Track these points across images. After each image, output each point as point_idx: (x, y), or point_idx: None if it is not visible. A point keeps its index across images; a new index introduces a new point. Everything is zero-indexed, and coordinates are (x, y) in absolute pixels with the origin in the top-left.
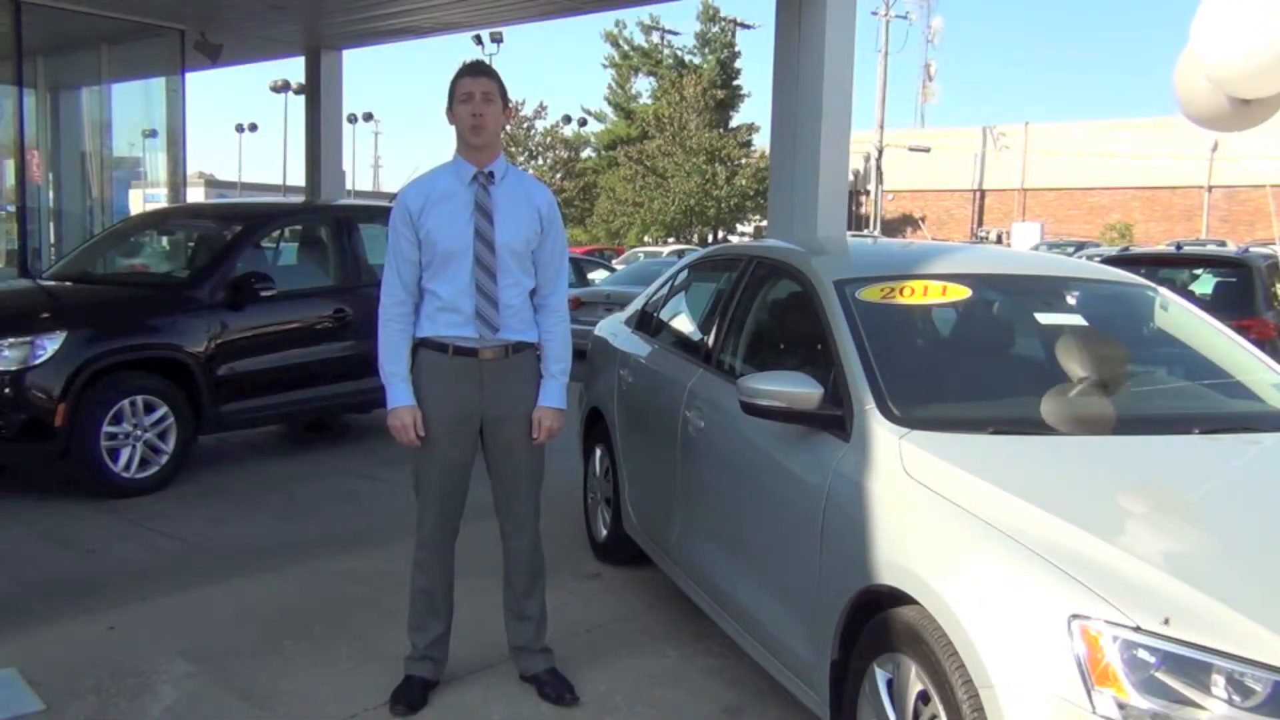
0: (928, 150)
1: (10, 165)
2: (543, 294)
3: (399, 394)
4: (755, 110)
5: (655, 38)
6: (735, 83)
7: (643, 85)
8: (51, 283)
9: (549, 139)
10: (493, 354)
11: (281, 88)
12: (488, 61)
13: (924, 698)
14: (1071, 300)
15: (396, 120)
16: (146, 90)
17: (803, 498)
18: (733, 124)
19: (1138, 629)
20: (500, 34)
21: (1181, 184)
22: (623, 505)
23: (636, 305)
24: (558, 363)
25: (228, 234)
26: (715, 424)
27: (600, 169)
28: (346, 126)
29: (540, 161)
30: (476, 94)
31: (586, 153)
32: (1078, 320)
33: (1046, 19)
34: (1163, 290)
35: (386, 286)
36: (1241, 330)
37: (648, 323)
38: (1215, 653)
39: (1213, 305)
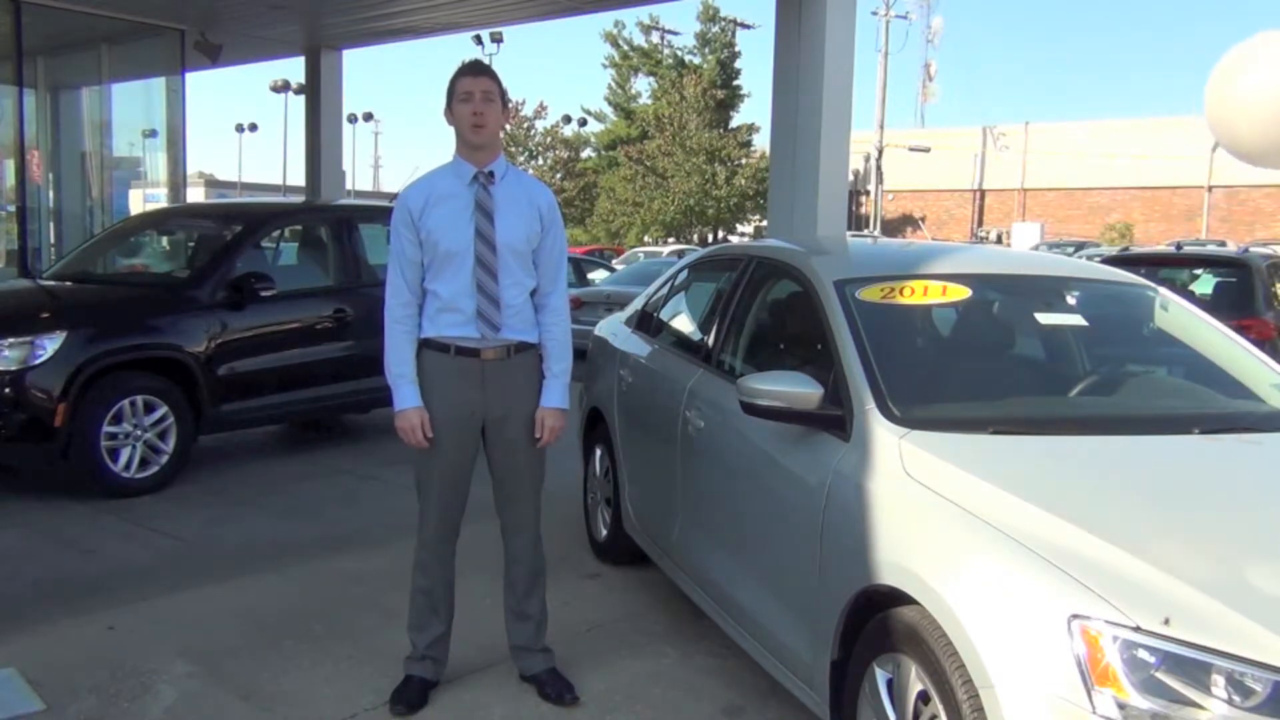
0: (928, 150)
1: (10, 165)
2: (543, 294)
3: (406, 395)
4: (755, 110)
5: (655, 38)
6: (735, 83)
7: (643, 85)
8: (51, 283)
9: (549, 139)
10: (494, 354)
11: (281, 88)
12: (487, 61)
13: (924, 698)
14: (1071, 300)
15: (396, 120)
16: (146, 90)
17: (803, 498)
18: (733, 124)
19: (1138, 629)
20: (500, 34)
21: (1181, 184)
22: (623, 505)
23: (636, 305)
24: (559, 363)
25: (228, 234)
26: (715, 424)
27: (600, 169)
28: (346, 126)
29: (540, 161)
30: (476, 93)
31: (586, 153)
32: (1078, 320)
33: (1047, 18)
34: (1163, 290)
35: (391, 288)
36: (1241, 330)
37: (648, 323)
38: (1215, 653)
39: (1213, 305)
